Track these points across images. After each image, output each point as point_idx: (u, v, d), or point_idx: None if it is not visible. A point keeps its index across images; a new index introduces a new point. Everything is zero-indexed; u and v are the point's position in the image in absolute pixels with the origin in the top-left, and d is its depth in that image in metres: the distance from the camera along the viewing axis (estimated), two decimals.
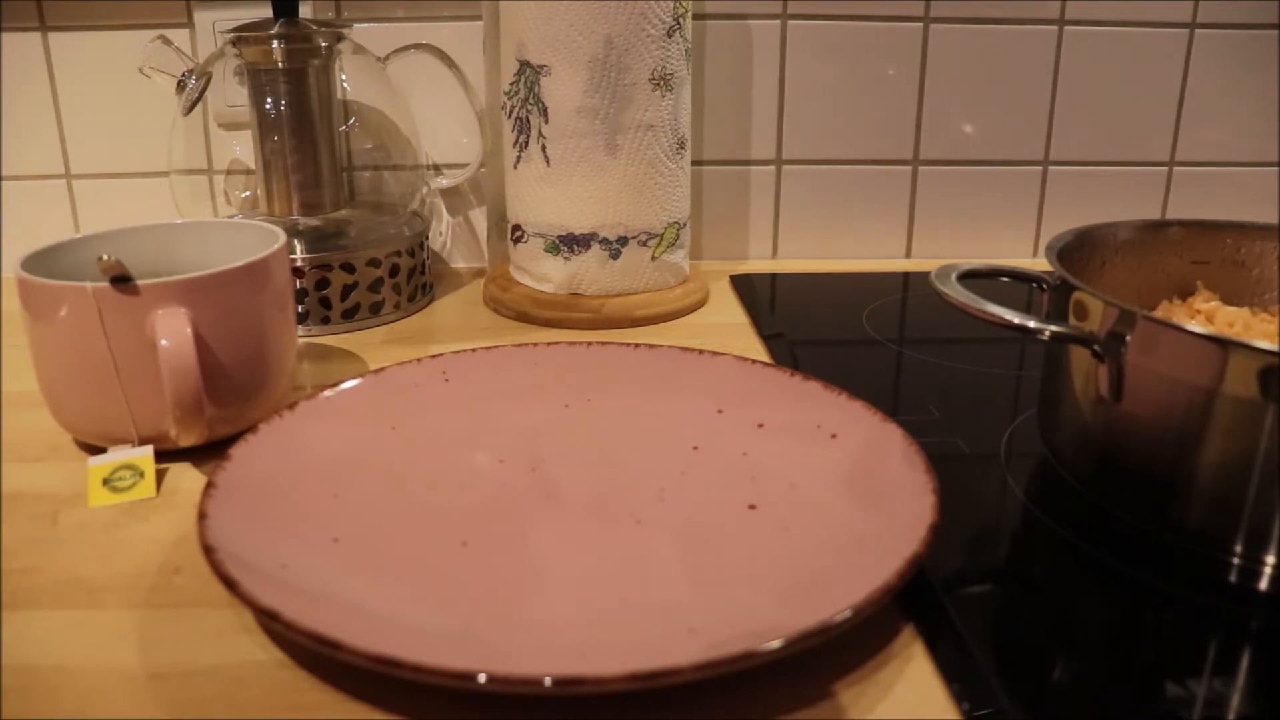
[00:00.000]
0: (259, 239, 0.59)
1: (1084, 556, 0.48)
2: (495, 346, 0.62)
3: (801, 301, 0.83)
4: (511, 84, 0.74)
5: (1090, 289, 0.48)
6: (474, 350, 0.62)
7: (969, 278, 0.54)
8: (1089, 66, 0.87)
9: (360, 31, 0.79)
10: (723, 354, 0.61)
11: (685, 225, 0.78)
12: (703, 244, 0.89)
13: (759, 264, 0.90)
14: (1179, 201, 0.93)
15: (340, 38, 0.76)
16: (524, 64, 0.72)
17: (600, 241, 0.74)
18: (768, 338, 0.72)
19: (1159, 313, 0.60)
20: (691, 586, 0.44)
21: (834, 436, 0.54)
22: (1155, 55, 0.88)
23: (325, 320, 0.73)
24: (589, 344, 0.63)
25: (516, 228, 0.77)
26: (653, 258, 0.76)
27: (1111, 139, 0.90)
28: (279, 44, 0.72)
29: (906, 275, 0.87)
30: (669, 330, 0.74)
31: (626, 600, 0.43)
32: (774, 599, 0.42)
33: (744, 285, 0.83)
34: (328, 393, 0.56)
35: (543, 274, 0.76)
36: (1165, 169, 0.92)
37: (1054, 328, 0.48)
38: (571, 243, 0.74)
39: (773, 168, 0.88)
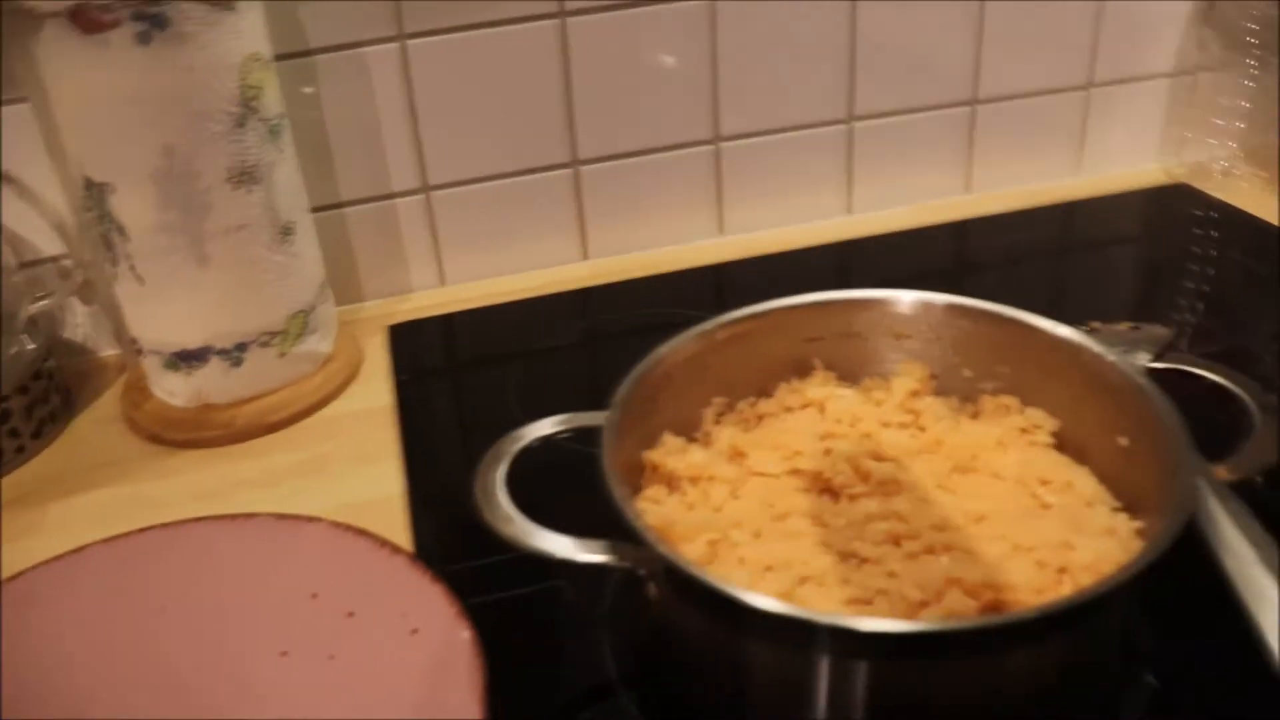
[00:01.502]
0: None
1: None
2: (83, 548, 0.57)
3: (462, 356, 0.79)
4: (83, 201, 0.66)
5: (627, 519, 0.44)
6: (59, 559, 0.57)
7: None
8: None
9: None
10: (317, 520, 0.57)
11: (315, 307, 0.72)
12: (362, 288, 0.83)
13: (427, 297, 0.84)
14: (987, 138, 0.90)
15: None
16: (88, 181, 0.64)
17: (217, 353, 0.68)
18: (408, 434, 0.68)
19: (776, 396, 0.57)
20: None
21: (415, 632, 0.51)
22: None
23: None
24: (182, 524, 0.59)
25: (134, 341, 0.70)
26: (280, 355, 0.70)
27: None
28: None
29: (586, 293, 0.83)
30: (304, 434, 0.70)
31: None
32: None
33: (403, 341, 0.78)
34: None
35: (168, 389, 0.70)
36: (969, 108, 0.88)
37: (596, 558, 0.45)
38: (188, 358, 0.68)
39: (421, 196, 0.81)
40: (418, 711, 0.48)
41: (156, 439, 0.70)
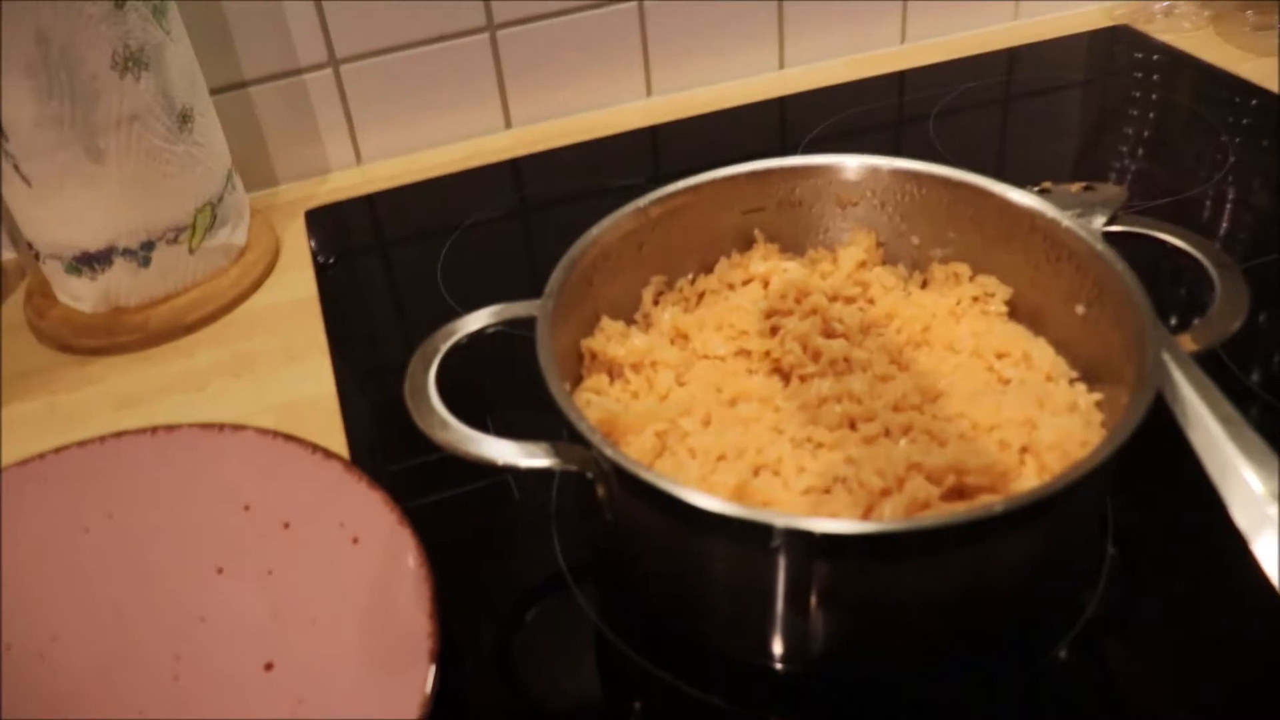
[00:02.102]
0: None
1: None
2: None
3: (386, 238, 0.74)
4: None
5: (570, 420, 0.41)
6: None
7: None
8: None
9: None
10: (243, 428, 0.53)
11: (223, 197, 0.66)
12: (275, 171, 0.77)
13: (345, 178, 0.79)
14: None
15: None
16: None
17: (122, 254, 0.63)
18: (333, 325, 0.64)
19: (717, 272, 0.54)
20: None
21: (355, 541, 0.48)
22: None
23: None
24: (103, 440, 0.54)
25: (30, 245, 0.65)
26: (190, 250, 0.65)
27: None
28: None
29: (513, 164, 0.77)
30: (226, 331, 0.65)
31: None
32: None
33: (321, 225, 0.73)
34: None
35: (73, 294, 0.65)
36: None
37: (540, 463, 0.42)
38: (90, 261, 0.63)
39: (329, 70, 0.74)
40: (366, 623, 0.46)
41: (67, 347, 0.65)
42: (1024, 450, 0.42)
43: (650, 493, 0.38)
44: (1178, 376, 0.39)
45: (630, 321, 0.52)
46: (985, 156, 0.74)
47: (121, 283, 0.64)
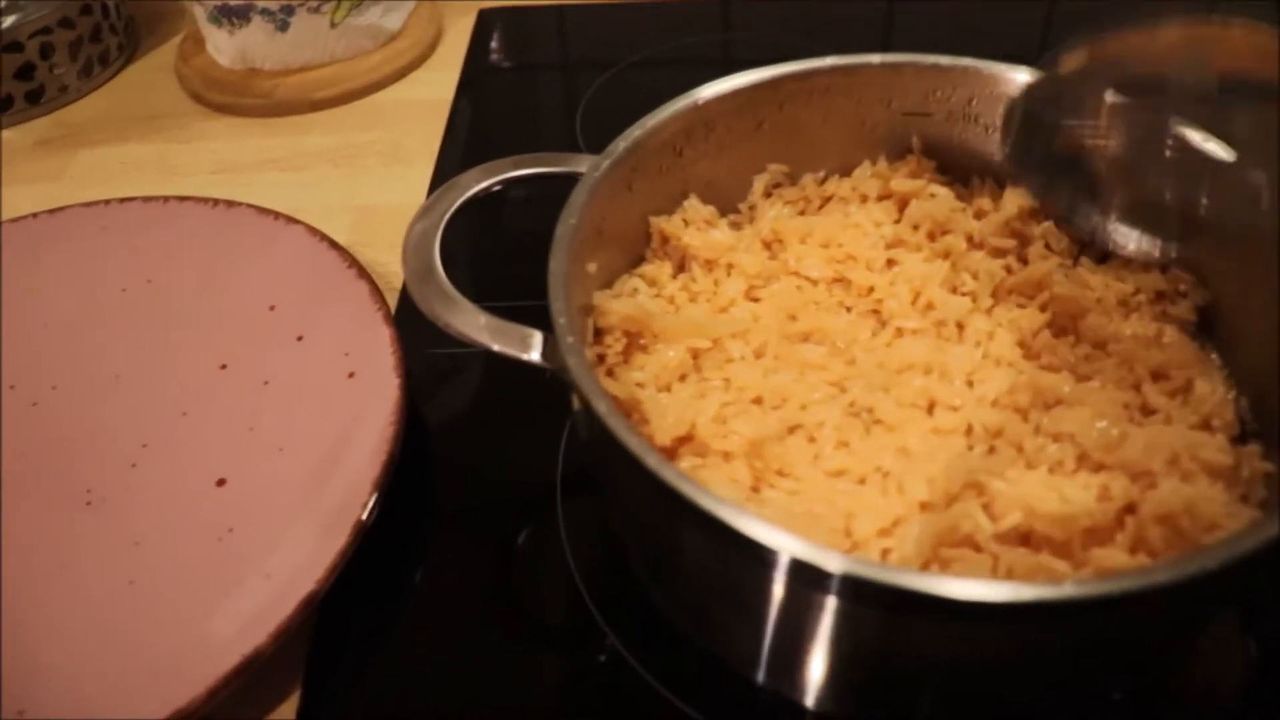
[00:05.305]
0: None
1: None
2: (61, 209, 0.50)
3: (549, 57, 0.64)
4: None
5: (554, 304, 0.32)
6: (35, 216, 0.50)
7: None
8: None
9: None
10: (297, 222, 0.48)
11: None
12: None
13: None
14: None
15: None
16: None
17: (260, 13, 0.57)
18: (450, 139, 0.56)
19: (854, 177, 0.42)
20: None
21: (351, 376, 0.42)
22: None
23: None
24: (165, 200, 0.50)
25: None
26: (332, 24, 0.58)
27: None
28: None
29: (725, 4, 0.66)
30: (348, 118, 0.59)
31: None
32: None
33: (492, 29, 0.65)
34: None
35: (215, 45, 0.60)
36: None
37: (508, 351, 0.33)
38: (229, 14, 0.57)
39: None
40: (322, 462, 0.39)
41: (198, 98, 0.60)
42: (1126, 511, 0.30)
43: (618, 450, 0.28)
44: None
45: (733, 210, 0.42)
46: None
47: (257, 43, 0.58)
